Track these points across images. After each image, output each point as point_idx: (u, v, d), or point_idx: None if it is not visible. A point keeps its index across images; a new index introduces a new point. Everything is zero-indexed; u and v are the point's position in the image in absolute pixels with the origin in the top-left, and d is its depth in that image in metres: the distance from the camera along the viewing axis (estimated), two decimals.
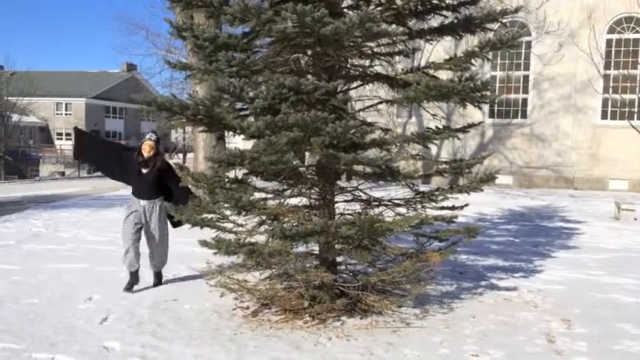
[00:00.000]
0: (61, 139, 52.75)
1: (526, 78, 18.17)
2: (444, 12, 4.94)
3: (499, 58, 17.94)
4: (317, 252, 4.88)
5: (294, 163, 4.66)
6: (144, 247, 5.60)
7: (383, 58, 5.04)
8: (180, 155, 35.21)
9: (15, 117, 41.58)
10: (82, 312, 4.87)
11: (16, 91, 39.86)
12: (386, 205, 4.94)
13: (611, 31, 17.26)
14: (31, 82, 39.98)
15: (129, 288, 5.54)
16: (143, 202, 5.57)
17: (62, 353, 3.95)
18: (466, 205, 5.10)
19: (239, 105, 4.64)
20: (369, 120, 4.88)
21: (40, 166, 38.84)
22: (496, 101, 17.57)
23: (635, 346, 4.24)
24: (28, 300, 5.18)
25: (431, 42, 5.33)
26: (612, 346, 4.23)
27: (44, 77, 47.73)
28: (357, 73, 5.01)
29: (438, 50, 13.51)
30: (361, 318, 4.69)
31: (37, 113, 49.77)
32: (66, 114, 54.11)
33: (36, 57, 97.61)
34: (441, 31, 4.97)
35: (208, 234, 4.74)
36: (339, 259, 4.99)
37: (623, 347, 4.22)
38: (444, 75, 4.95)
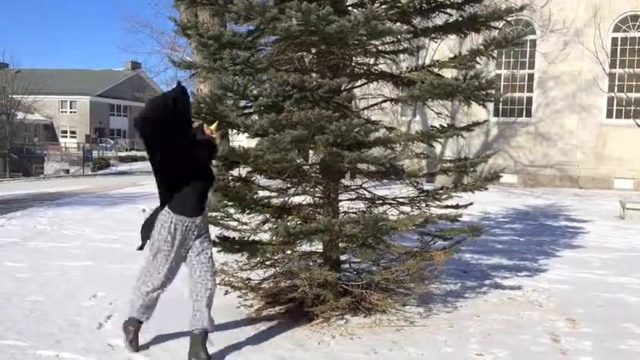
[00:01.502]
0: (66, 136, 52.94)
1: (531, 76, 18.11)
2: (449, 10, 4.93)
3: (504, 56, 17.87)
4: (321, 250, 4.87)
5: (298, 161, 4.66)
6: None
7: (387, 56, 5.03)
8: None
9: (20, 115, 41.73)
10: (87, 309, 4.88)
11: (21, 89, 40.02)
12: (390, 204, 4.93)
13: (616, 29, 17.18)
14: (36, 80, 40.12)
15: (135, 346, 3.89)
16: (198, 220, 3.74)
17: (67, 350, 3.96)
18: (470, 203, 5.09)
19: (243, 103, 4.64)
20: (373, 118, 4.87)
21: (45, 164, 38.92)
22: (501, 100, 17.52)
23: None
24: (33, 297, 5.20)
25: (435, 40, 5.32)
26: (618, 346, 4.21)
27: (49, 75, 47.91)
28: (362, 71, 5.00)
29: (442, 48, 13.46)
30: (365, 316, 4.68)
31: (42, 111, 49.95)
32: (71, 112, 54.30)
33: (41, 55, 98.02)
34: (445, 30, 4.95)
35: (212, 232, 4.74)
36: (342, 257, 4.98)
37: (628, 347, 4.20)
38: (449, 73, 4.93)
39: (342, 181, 4.93)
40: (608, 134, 17.27)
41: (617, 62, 17.02)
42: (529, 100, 18.19)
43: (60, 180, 24.59)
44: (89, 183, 20.28)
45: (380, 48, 4.89)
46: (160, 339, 4.21)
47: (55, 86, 49.21)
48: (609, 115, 17.42)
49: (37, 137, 50.37)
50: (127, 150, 48.60)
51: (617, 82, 17.02)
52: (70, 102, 54.11)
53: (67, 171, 35.01)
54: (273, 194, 4.92)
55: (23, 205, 12.13)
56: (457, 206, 4.90)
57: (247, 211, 4.66)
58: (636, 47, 16.98)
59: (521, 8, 4.95)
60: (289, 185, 4.96)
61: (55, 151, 44.44)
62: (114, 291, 5.42)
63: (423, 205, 4.89)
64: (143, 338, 4.21)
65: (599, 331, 4.51)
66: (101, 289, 5.47)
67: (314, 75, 4.66)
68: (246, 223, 4.88)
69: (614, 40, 17.19)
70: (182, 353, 3.95)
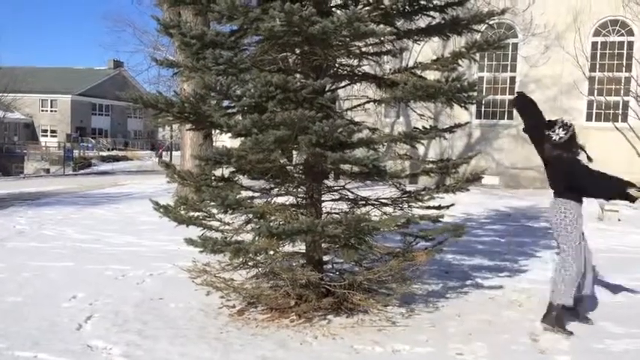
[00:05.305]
0: (47, 135, 52.27)
1: (513, 79, 18.29)
2: (432, 13, 4.96)
3: (486, 59, 18.02)
4: (303, 251, 4.87)
5: (281, 161, 4.65)
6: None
7: (371, 57, 5.04)
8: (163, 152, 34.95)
9: None
10: (66, 310, 4.83)
11: (0, 87, 39.39)
12: (373, 205, 4.95)
13: (596, 33, 17.43)
14: (16, 78, 39.53)
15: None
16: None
17: (45, 352, 3.91)
18: (452, 204, 5.12)
19: (226, 103, 4.62)
20: (356, 119, 4.88)
21: (25, 163, 38.36)
22: (483, 102, 17.66)
23: (617, 344, 4.29)
24: (11, 298, 5.13)
25: (418, 42, 5.36)
26: (594, 345, 4.27)
27: (30, 73, 47.18)
28: (345, 72, 5.01)
29: (425, 51, 13.55)
30: (347, 317, 4.70)
31: (22, 109, 49.25)
32: (51, 110, 53.59)
33: (22, 53, 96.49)
34: (428, 32, 4.99)
35: (194, 232, 4.72)
36: (325, 258, 4.99)
37: (604, 346, 4.27)
38: (432, 75, 4.97)
39: (325, 181, 4.94)
40: (588, 137, 17.43)
41: (597, 66, 17.27)
42: (511, 103, 18.38)
43: (40, 179, 24.28)
44: (70, 183, 20.04)
45: (363, 49, 4.90)
46: (142, 339, 4.18)
47: (35, 84, 48.50)
48: (589, 118, 17.65)
49: (17, 136, 49.64)
50: (108, 150, 48.13)
51: (596, 86, 17.26)
52: (51, 101, 53.40)
53: (48, 170, 34.58)
54: (256, 194, 4.91)
55: (2, 205, 11.95)
56: (439, 207, 4.93)
57: (230, 212, 4.65)
58: (615, 51, 17.25)
59: (503, 12, 4.99)
60: (272, 185, 4.95)
61: (35, 151, 43.82)
62: (94, 292, 5.37)
63: (406, 205, 4.91)
64: (125, 339, 4.18)
65: (577, 330, 4.57)
66: (81, 290, 5.41)
67: (297, 75, 4.66)
68: (228, 224, 4.87)
69: (594, 44, 17.44)
70: (162, 352, 3.93)
